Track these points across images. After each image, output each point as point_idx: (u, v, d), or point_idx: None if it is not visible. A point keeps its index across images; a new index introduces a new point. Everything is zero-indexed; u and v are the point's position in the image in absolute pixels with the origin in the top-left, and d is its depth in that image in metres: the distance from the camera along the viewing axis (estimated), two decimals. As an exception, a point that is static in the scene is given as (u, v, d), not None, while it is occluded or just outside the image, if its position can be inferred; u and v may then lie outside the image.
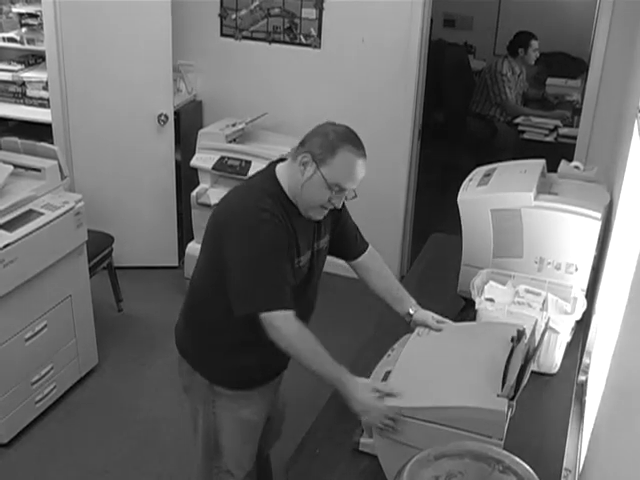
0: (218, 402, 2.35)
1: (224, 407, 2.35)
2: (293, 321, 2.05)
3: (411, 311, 2.38)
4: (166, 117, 4.50)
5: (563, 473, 2.00)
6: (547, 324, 2.15)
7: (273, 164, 2.24)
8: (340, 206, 2.18)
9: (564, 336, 2.41)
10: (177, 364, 2.45)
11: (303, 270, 2.24)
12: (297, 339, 2.06)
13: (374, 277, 2.47)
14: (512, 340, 2.05)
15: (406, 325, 2.37)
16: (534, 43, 5.78)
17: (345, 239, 2.43)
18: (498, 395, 1.83)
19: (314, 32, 4.47)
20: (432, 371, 2.03)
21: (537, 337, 2.04)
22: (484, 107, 5.93)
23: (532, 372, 2.01)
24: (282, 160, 2.25)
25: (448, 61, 6.28)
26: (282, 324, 2.04)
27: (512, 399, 1.84)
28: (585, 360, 2.50)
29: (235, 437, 2.41)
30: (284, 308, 2.05)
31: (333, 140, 2.08)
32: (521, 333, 2.04)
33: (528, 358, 1.94)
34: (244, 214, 2.10)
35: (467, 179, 2.89)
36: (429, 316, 2.33)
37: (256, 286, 2.07)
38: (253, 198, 2.13)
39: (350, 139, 2.10)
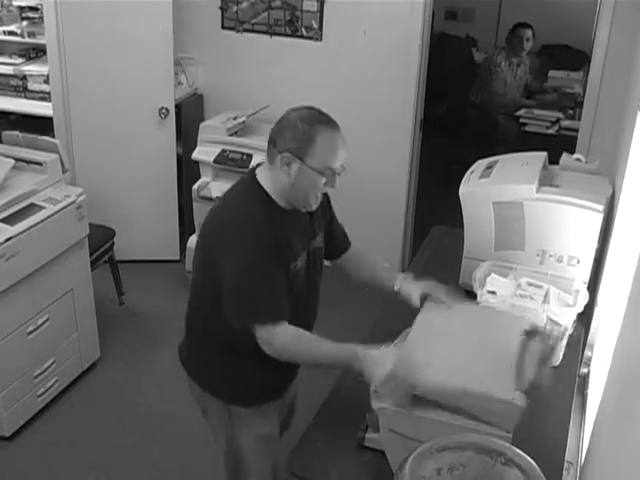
0: (236, 422, 2.30)
1: (243, 426, 2.31)
2: (284, 331, 2.03)
3: (395, 288, 2.34)
4: (167, 110, 4.50)
5: (565, 465, 2.00)
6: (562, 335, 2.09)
7: (252, 170, 2.18)
8: (336, 185, 2.11)
9: (566, 329, 2.40)
10: (188, 389, 2.38)
11: (301, 273, 2.19)
12: (291, 348, 2.04)
13: (357, 268, 2.46)
14: (524, 333, 2.03)
15: (405, 321, 2.34)
16: (525, 32, 5.73)
17: (334, 236, 2.42)
18: (518, 390, 1.80)
19: (315, 25, 4.46)
20: (449, 351, 1.97)
21: (552, 341, 2.01)
22: (483, 99, 5.91)
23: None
24: (259, 164, 2.20)
25: (453, 54, 6.26)
26: (272, 337, 2.02)
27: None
28: (587, 353, 2.50)
29: (260, 454, 2.36)
30: (274, 320, 2.02)
31: (304, 128, 2.02)
32: (534, 329, 2.02)
33: (544, 359, 1.91)
34: (230, 227, 2.07)
35: (469, 171, 2.88)
36: (414, 291, 2.27)
37: (245, 299, 2.05)
38: (238, 210, 2.09)
39: (319, 119, 2.05)
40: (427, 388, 1.81)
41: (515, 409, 1.77)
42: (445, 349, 1.98)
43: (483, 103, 5.88)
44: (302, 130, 2.02)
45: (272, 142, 2.08)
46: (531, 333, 2.01)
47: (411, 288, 2.30)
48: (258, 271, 2.03)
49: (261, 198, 2.10)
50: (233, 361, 2.21)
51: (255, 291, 2.04)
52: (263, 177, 2.12)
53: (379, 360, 1.89)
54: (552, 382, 1.87)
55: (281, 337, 2.02)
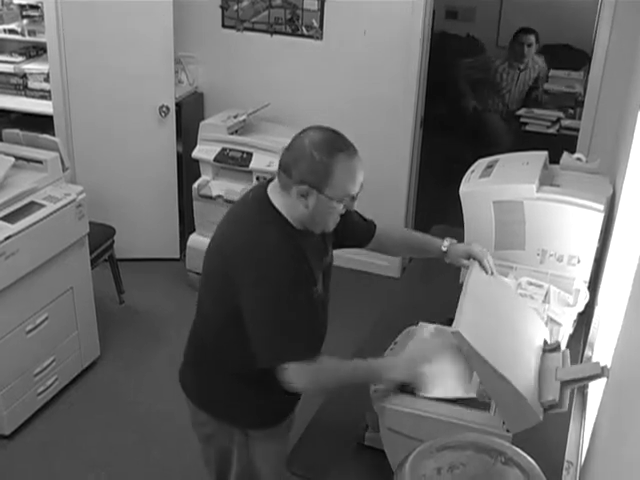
0: (252, 444, 2.26)
1: (259, 447, 2.27)
2: (305, 371, 1.95)
3: (443, 248, 2.37)
4: (167, 109, 4.50)
5: (565, 465, 1.99)
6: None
7: (263, 189, 2.06)
8: (354, 207, 2.05)
9: (566, 328, 2.40)
10: (190, 414, 2.31)
11: (321, 296, 2.13)
12: (314, 386, 2.01)
13: (392, 246, 2.48)
14: (545, 345, 1.99)
15: (406, 319, 2.31)
16: (526, 38, 5.67)
17: (355, 226, 2.36)
18: (541, 403, 1.78)
19: (316, 23, 4.46)
20: (494, 330, 1.91)
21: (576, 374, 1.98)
22: (485, 99, 5.89)
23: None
24: (269, 181, 2.09)
25: (454, 54, 6.25)
26: (294, 379, 1.96)
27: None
28: (587, 352, 2.49)
29: (274, 470, 2.31)
30: (300, 358, 1.95)
31: (322, 159, 1.89)
32: (555, 346, 1.98)
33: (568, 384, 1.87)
34: (253, 258, 1.96)
35: (469, 171, 2.88)
36: (462, 253, 2.31)
37: (275, 339, 1.97)
38: (260, 238, 1.98)
39: (335, 146, 1.93)
40: (470, 353, 1.75)
41: (533, 418, 1.76)
42: (491, 325, 1.93)
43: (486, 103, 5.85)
44: (320, 162, 1.90)
45: (286, 171, 1.95)
46: (550, 348, 1.98)
47: (458, 250, 2.34)
48: (290, 307, 1.95)
49: (279, 222, 2.00)
50: (247, 389, 2.15)
51: (282, 331, 1.96)
52: (276, 200, 2.01)
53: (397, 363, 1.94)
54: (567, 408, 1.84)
55: (302, 379, 1.97)
